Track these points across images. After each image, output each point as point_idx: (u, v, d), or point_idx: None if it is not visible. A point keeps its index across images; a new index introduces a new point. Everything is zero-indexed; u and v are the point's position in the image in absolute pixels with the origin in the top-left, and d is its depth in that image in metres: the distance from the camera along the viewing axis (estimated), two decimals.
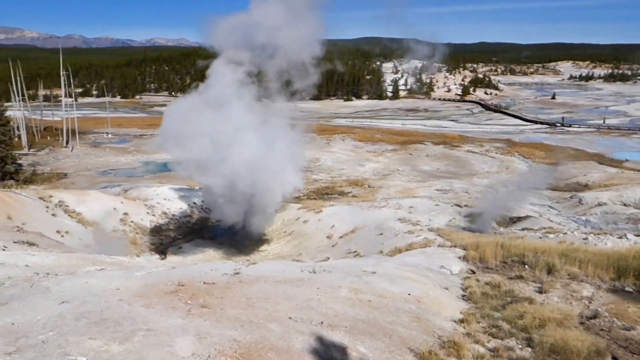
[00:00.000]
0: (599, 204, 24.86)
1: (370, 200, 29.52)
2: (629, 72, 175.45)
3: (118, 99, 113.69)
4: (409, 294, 7.21)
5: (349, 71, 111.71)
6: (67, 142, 50.93)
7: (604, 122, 66.12)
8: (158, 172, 38.63)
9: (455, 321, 6.48)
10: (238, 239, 21.43)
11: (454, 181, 37.32)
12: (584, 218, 23.11)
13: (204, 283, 6.67)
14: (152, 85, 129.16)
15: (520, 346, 5.77)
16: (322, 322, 5.70)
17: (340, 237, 19.85)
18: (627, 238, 13.35)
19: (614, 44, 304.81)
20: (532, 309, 6.78)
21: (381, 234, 18.36)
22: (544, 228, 17.46)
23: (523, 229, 17.86)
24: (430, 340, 5.61)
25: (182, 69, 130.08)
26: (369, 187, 36.49)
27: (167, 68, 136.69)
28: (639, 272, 8.19)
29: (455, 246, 12.72)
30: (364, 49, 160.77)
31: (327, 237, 20.31)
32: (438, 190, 34.32)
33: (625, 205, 24.42)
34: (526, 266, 9.21)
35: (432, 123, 71.59)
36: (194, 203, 23.74)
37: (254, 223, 21.26)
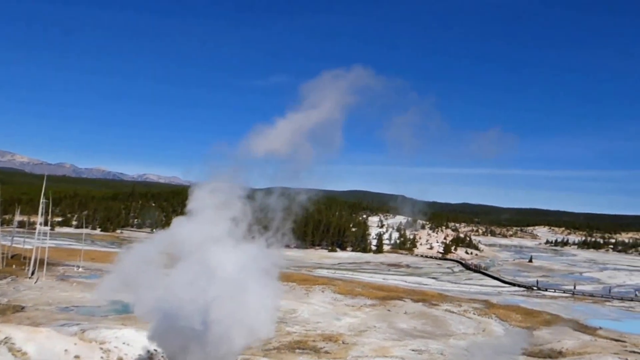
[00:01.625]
0: None
1: (342, 358, 28.53)
2: (601, 241, 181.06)
3: (98, 231, 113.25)
4: None
5: (335, 222, 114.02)
6: (32, 273, 49.25)
7: (574, 288, 66.90)
8: (124, 312, 37.19)
9: None
10: None
11: (430, 341, 36.36)
12: None
13: None
14: (136, 220, 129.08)
15: None
16: None
17: None
18: None
19: (587, 213, 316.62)
20: None
21: None
22: None
23: None
24: None
25: (169, 206, 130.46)
26: (343, 343, 35.33)
27: (153, 204, 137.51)
28: None
29: None
30: (351, 201, 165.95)
31: None
32: (413, 350, 33.35)
33: None
34: None
35: (413, 279, 71.53)
36: (155, 350, 22.73)
37: None
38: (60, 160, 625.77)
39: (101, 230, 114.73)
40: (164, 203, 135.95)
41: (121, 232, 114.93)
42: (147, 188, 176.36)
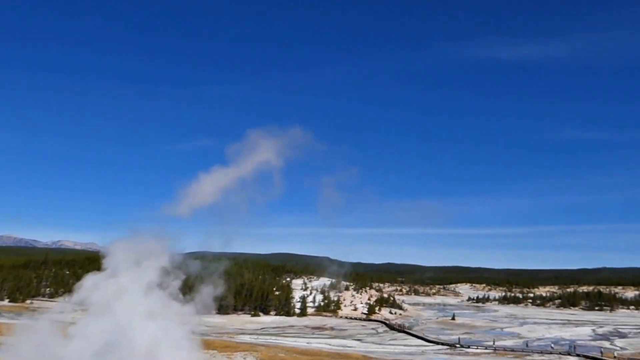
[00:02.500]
0: None
1: None
2: (520, 295, 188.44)
3: (6, 302, 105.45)
4: None
5: (258, 286, 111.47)
6: None
7: (493, 343, 68.22)
8: None
9: None
10: None
11: None
12: None
13: None
14: (48, 289, 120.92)
15: None
16: None
17: None
18: None
19: (506, 269, 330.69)
20: None
21: None
22: None
23: None
24: None
25: (84, 273, 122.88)
26: None
27: (67, 272, 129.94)
28: None
29: None
30: (275, 264, 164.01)
31: None
32: None
33: None
34: None
35: (337, 342, 70.24)
36: None
37: None
38: None
39: (10, 301, 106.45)
40: (79, 270, 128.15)
41: (31, 303, 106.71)
42: (62, 255, 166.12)
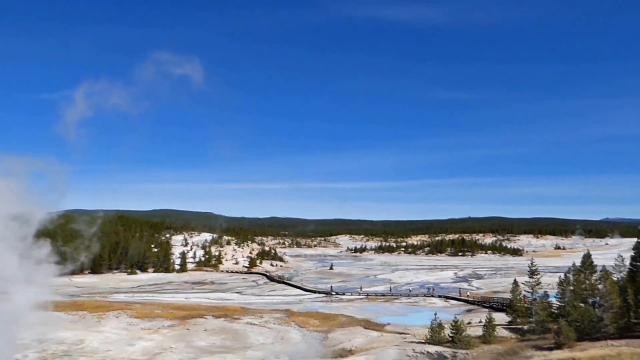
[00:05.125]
0: None
1: None
2: (395, 245, 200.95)
3: None
4: None
5: (135, 243, 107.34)
6: None
7: (361, 290, 71.95)
8: None
9: None
10: None
11: (228, 355, 35.51)
12: None
13: None
14: None
15: None
16: None
17: None
18: None
19: (383, 220, 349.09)
20: None
21: None
22: None
23: None
24: None
25: None
26: None
27: None
28: None
29: None
30: (154, 220, 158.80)
31: None
32: None
33: None
34: None
35: (217, 296, 70.24)
36: None
37: None
38: None
39: None
40: None
41: None
42: None
